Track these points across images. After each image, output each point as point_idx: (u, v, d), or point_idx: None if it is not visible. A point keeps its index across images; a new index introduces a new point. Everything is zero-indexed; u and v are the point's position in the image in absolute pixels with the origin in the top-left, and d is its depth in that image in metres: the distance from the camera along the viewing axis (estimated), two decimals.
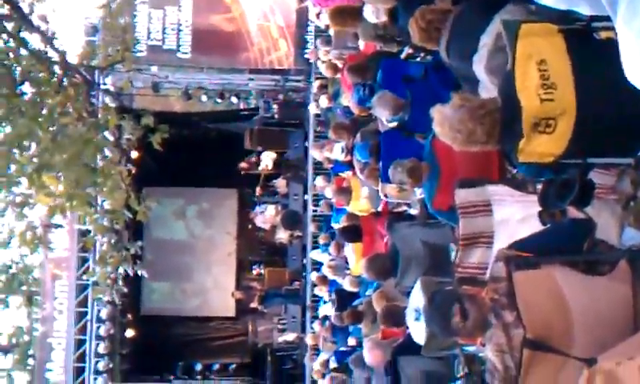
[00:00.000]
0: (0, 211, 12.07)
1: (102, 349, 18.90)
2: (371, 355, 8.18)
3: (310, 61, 18.28)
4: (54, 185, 11.28)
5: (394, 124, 7.94)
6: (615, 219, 4.70)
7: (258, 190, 20.76)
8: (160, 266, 21.44)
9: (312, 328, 16.85)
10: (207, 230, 23.37)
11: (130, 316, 20.94)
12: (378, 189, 8.65)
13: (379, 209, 9.99)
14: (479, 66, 4.68)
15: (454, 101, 4.04)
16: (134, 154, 16.54)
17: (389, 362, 7.49)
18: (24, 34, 11.18)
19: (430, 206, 6.73)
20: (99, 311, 18.90)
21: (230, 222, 22.99)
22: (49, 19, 11.39)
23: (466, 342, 4.76)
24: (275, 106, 19.87)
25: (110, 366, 19.15)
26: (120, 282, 15.92)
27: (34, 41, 11.36)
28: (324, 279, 13.97)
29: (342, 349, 12.69)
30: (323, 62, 14.08)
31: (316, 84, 16.23)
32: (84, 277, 18.56)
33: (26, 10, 11.13)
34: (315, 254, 16.46)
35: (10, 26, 11.04)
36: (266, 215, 20.59)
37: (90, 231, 14.88)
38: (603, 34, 3.84)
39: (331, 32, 14.04)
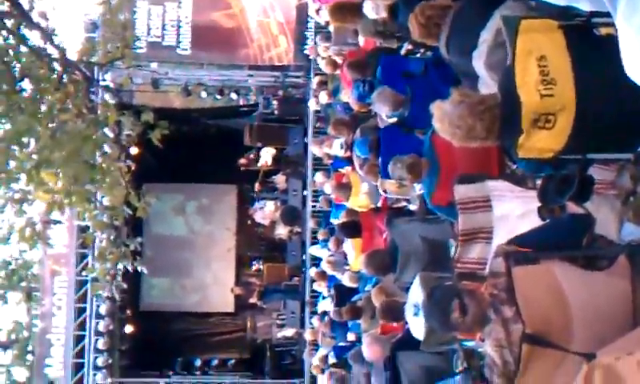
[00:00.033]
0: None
1: (101, 344, 18.90)
2: (370, 350, 8.19)
3: (310, 57, 18.26)
4: (52, 181, 11.28)
5: (394, 120, 7.94)
6: (614, 214, 4.71)
7: (257, 185, 20.75)
8: (159, 261, 21.44)
9: (311, 323, 16.85)
10: (207, 226, 23.37)
11: (129, 312, 20.95)
12: (378, 184, 8.67)
13: (379, 204, 10.00)
14: (479, 62, 4.68)
15: (453, 97, 4.05)
16: (134, 151, 16.55)
17: (388, 358, 7.51)
18: (24, 31, 11.18)
19: (430, 202, 6.74)
20: (98, 307, 18.89)
21: (229, 217, 22.99)
22: (48, 16, 11.38)
23: (465, 337, 4.77)
24: (275, 102, 19.89)
25: (110, 361, 19.15)
26: (119, 278, 15.94)
27: (34, 38, 11.37)
28: (323, 275, 13.97)
29: (341, 344, 12.70)
30: (323, 58, 14.08)
31: (316, 80, 16.22)
32: (83, 273, 18.58)
33: (26, 7, 11.13)
34: (314, 250, 16.46)
35: (9, 22, 11.04)
36: (266, 211, 20.60)
37: (89, 227, 14.88)
38: (603, 30, 3.84)
39: (331, 28, 14.04)
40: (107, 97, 16.08)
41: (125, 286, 17.00)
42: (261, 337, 22.14)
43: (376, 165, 8.34)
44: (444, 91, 4.27)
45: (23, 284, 28.20)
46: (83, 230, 17.00)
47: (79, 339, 19.09)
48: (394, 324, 7.91)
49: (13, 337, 29.02)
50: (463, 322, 3.78)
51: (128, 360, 20.69)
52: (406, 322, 6.49)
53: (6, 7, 11.05)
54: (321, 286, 14.85)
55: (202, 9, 19.26)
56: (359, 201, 10.53)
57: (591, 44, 3.87)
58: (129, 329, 20.71)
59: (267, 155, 20.26)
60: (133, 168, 13.82)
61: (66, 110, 11.33)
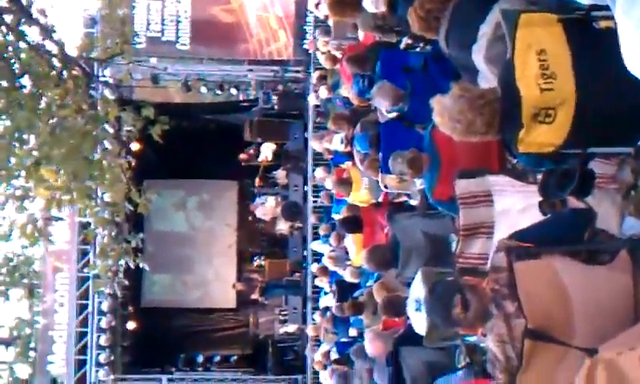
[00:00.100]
0: (0, 205, 12.06)
1: (103, 341, 18.91)
2: (372, 346, 8.19)
3: (309, 51, 18.26)
4: (52, 178, 11.27)
5: (394, 114, 7.93)
6: (616, 208, 4.70)
7: (257, 181, 20.73)
8: (161, 258, 21.43)
9: (313, 319, 16.87)
10: (207, 222, 23.37)
11: (131, 308, 20.94)
12: (378, 179, 8.65)
13: (379, 199, 9.99)
14: (478, 56, 4.67)
15: (453, 91, 4.04)
16: (134, 147, 16.54)
17: (390, 353, 7.51)
18: (23, 27, 11.16)
19: (431, 197, 6.73)
20: (100, 303, 18.91)
21: (230, 213, 22.98)
22: (47, 13, 11.36)
23: (467, 333, 4.77)
24: (275, 97, 19.85)
25: (112, 358, 19.16)
26: (121, 275, 15.93)
27: (33, 34, 11.35)
28: (324, 270, 13.96)
29: (343, 340, 12.69)
30: (322, 52, 14.06)
31: (315, 75, 16.18)
32: (85, 270, 18.58)
33: (25, 3, 11.11)
34: (316, 245, 16.46)
35: (9, 18, 11.02)
36: (266, 206, 20.58)
37: (90, 224, 14.88)
38: (602, 24, 3.83)
39: (330, 22, 14.03)
40: (107, 92, 16.06)
41: (126, 282, 17.00)
42: (263, 333, 22.14)
43: (376, 160, 8.33)
44: (444, 85, 4.27)
45: (25, 281, 28.23)
46: (84, 226, 16.99)
47: (81, 336, 19.12)
48: (396, 319, 7.91)
49: (15, 334, 29.05)
50: (465, 318, 3.78)
51: (130, 356, 20.69)
52: (408, 318, 6.48)
53: (5, 3, 11.03)
54: (322, 282, 14.84)
55: (201, 4, 19.25)
56: (360, 196, 10.52)
57: (591, 38, 3.86)
58: (131, 325, 20.71)
59: (267, 150, 20.25)
60: (133, 164, 13.81)
61: (65, 106, 11.31)
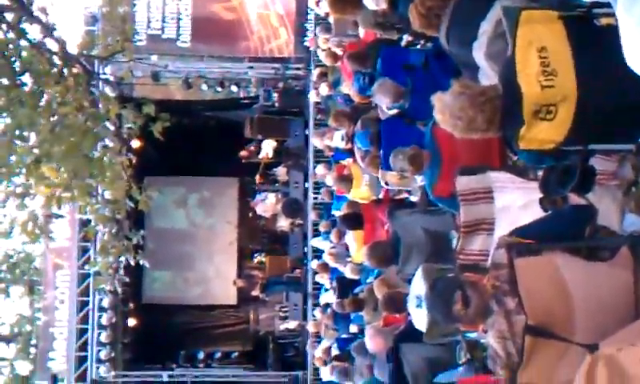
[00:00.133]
0: (1, 202, 12.07)
1: (104, 338, 18.92)
2: (373, 342, 8.20)
3: (310, 49, 18.26)
4: (53, 175, 11.27)
5: (395, 111, 7.93)
6: (616, 205, 4.71)
7: (258, 178, 20.74)
8: (161, 254, 21.44)
9: (313, 315, 16.87)
10: (208, 219, 23.37)
11: (131, 305, 20.96)
12: (379, 176, 8.66)
13: (380, 196, 10.00)
14: (479, 53, 4.67)
15: (454, 88, 4.04)
16: (135, 144, 16.54)
17: (391, 349, 7.52)
18: (24, 25, 11.16)
19: (431, 194, 6.73)
20: (101, 300, 18.91)
21: (230, 210, 22.98)
22: (48, 11, 11.36)
23: (467, 329, 4.77)
24: (275, 95, 19.86)
25: (112, 354, 19.16)
26: (121, 272, 15.94)
27: (34, 32, 11.35)
28: (325, 267, 13.98)
29: (344, 336, 12.70)
30: (323, 50, 14.05)
31: (316, 72, 16.17)
32: (85, 267, 18.59)
33: (26, 1, 11.11)
34: (316, 242, 16.45)
35: (10, 16, 11.02)
36: (267, 203, 20.59)
37: (90, 221, 14.88)
38: (603, 21, 3.84)
39: (331, 19, 14.02)
40: (107, 90, 16.06)
41: (127, 279, 17.01)
42: (263, 329, 22.15)
43: (377, 157, 8.33)
44: (444, 82, 4.27)
45: (25, 278, 28.27)
46: (85, 223, 17.00)
47: (82, 332, 19.13)
48: (397, 316, 7.92)
49: (16, 330, 29.09)
50: (466, 314, 3.78)
51: (131, 353, 20.71)
52: (409, 314, 6.48)
53: (6, 1, 11.03)
54: (323, 278, 14.85)
55: (201, 1, 19.25)
56: (361, 193, 10.53)
57: (592, 35, 3.87)
58: (131, 322, 20.74)
59: (268, 147, 20.25)
60: (134, 161, 13.81)
61: (66, 104, 11.31)
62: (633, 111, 3.76)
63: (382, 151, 8.07)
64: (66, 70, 11.45)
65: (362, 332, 10.66)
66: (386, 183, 8.76)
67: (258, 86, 20.28)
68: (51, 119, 11.21)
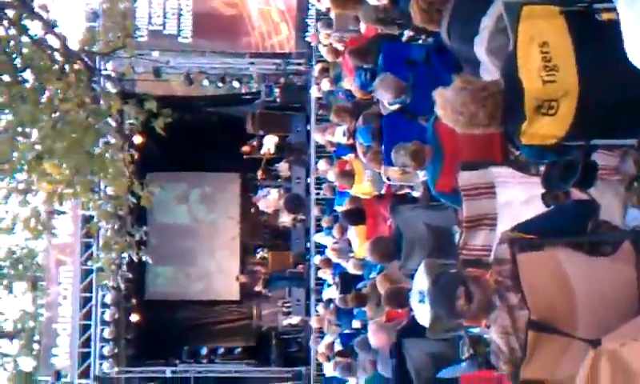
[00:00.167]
0: (3, 198, 12.07)
1: (107, 334, 18.95)
2: (376, 338, 8.19)
3: (312, 44, 18.26)
4: (55, 172, 11.28)
5: (396, 107, 7.93)
6: (618, 200, 4.70)
7: (260, 173, 20.72)
8: (164, 250, 21.42)
9: (316, 311, 16.86)
10: (210, 215, 23.36)
11: (134, 301, 20.96)
12: (381, 172, 8.66)
13: (382, 191, 9.99)
14: (480, 48, 4.67)
15: (455, 83, 4.04)
16: (137, 140, 16.54)
17: (393, 345, 7.51)
18: (25, 22, 11.16)
19: (433, 189, 6.73)
20: (104, 296, 18.93)
21: (232, 206, 22.97)
22: (49, 8, 11.36)
23: (470, 324, 4.78)
24: (277, 90, 19.85)
25: (116, 350, 19.19)
26: (124, 267, 15.94)
27: (35, 28, 11.35)
28: (328, 262, 13.97)
29: (347, 331, 12.71)
30: (324, 45, 14.05)
31: (317, 67, 16.17)
32: (88, 262, 18.60)
33: None
34: (319, 237, 16.46)
35: (11, 13, 11.02)
36: (269, 199, 20.58)
37: (93, 217, 14.89)
38: (605, 16, 3.84)
39: (332, 15, 14.02)
40: (109, 86, 16.06)
41: (130, 275, 17.03)
42: (266, 325, 22.14)
43: (379, 152, 8.32)
44: (446, 78, 4.27)
45: (28, 274, 28.28)
46: (88, 219, 17.01)
47: (85, 328, 19.16)
48: (399, 311, 7.91)
49: (19, 327, 29.11)
50: (469, 310, 3.79)
51: (134, 349, 20.72)
52: (411, 309, 6.48)
53: None
54: (326, 274, 14.86)
55: None
56: (363, 188, 10.52)
57: (593, 30, 3.86)
58: (134, 318, 20.74)
59: (270, 143, 20.24)
60: (136, 157, 13.80)
61: (67, 100, 11.31)
62: (634, 106, 3.76)
63: (383, 146, 8.06)
64: (67, 67, 11.45)
65: (364, 327, 10.66)
66: (388, 178, 8.76)
67: (260, 82, 20.24)
68: (53, 116, 11.21)
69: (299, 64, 19.38)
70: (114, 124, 12.77)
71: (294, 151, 19.61)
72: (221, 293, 22.94)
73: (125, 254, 14.73)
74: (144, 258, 14.69)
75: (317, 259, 16.27)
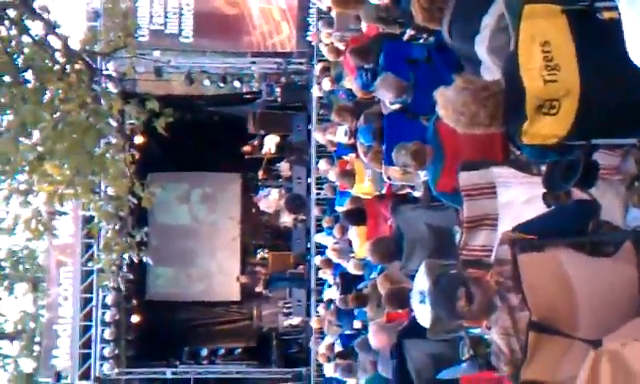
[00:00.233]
0: (4, 199, 12.07)
1: (107, 335, 18.95)
2: (376, 339, 8.18)
3: (313, 43, 18.25)
4: (56, 173, 11.27)
5: (397, 106, 7.92)
6: (620, 200, 4.69)
7: (261, 173, 20.73)
8: (164, 251, 21.43)
9: (317, 311, 16.87)
10: (211, 215, 23.35)
11: (135, 301, 20.95)
12: (382, 171, 8.64)
13: (383, 191, 9.97)
14: (481, 47, 4.66)
15: (457, 83, 4.03)
16: (138, 140, 16.53)
17: (394, 345, 7.50)
18: (26, 22, 11.15)
19: (434, 189, 6.72)
20: (104, 297, 18.92)
21: (233, 206, 22.95)
22: (50, 9, 11.35)
23: (471, 325, 4.76)
24: (278, 89, 19.84)
25: (116, 351, 19.19)
26: (125, 268, 15.93)
27: (37, 28, 11.35)
28: (328, 262, 13.96)
29: (347, 332, 12.70)
30: (325, 44, 14.03)
31: (318, 67, 16.16)
32: (89, 263, 18.59)
33: None
34: (319, 238, 16.45)
35: (12, 13, 11.02)
36: (270, 199, 20.58)
37: (94, 218, 14.88)
38: (606, 15, 3.83)
39: (333, 14, 14.00)
40: (110, 86, 16.05)
41: (130, 276, 17.02)
42: (267, 325, 22.13)
43: (380, 152, 8.31)
44: (447, 77, 4.26)
45: (29, 274, 28.28)
46: (88, 220, 17.00)
47: (86, 329, 19.15)
48: (400, 311, 7.90)
49: (19, 328, 29.11)
50: (469, 310, 3.77)
51: (134, 350, 20.72)
52: (412, 310, 6.47)
53: None
54: (326, 274, 14.85)
55: None
56: (363, 188, 10.51)
57: (595, 29, 3.85)
58: (135, 319, 20.74)
59: (271, 143, 20.24)
60: (137, 157, 13.80)
61: (69, 100, 11.30)
62: (636, 105, 3.74)
63: (384, 146, 8.05)
64: (68, 67, 11.44)
65: (365, 328, 10.65)
66: (389, 178, 8.74)
67: (261, 81, 20.22)
68: (54, 116, 11.20)
69: (300, 63, 19.36)
70: (114, 124, 12.75)
71: (295, 151, 19.60)
72: (221, 293, 22.93)
73: (125, 255, 14.71)
74: (144, 259, 14.69)
75: (317, 259, 16.26)
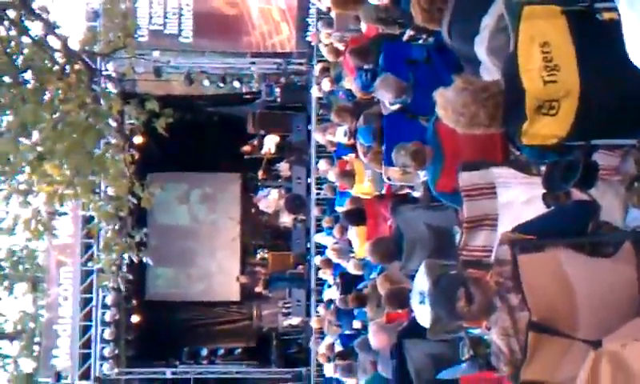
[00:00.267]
0: (4, 199, 12.08)
1: (107, 335, 18.95)
2: (376, 339, 8.18)
3: (312, 44, 18.25)
4: (55, 173, 11.27)
5: (397, 107, 7.92)
6: (619, 200, 4.68)
7: (260, 173, 20.72)
8: (164, 251, 21.42)
9: (317, 311, 16.88)
10: (211, 215, 23.35)
11: (134, 301, 20.95)
12: (382, 172, 8.64)
13: (383, 192, 9.97)
14: (481, 48, 4.66)
15: (456, 84, 4.04)
16: (137, 140, 16.52)
17: (394, 345, 7.50)
18: (26, 22, 11.15)
19: (434, 189, 6.72)
20: (104, 297, 18.92)
21: (233, 206, 22.94)
22: (49, 9, 11.35)
23: (471, 326, 4.76)
24: (277, 90, 19.84)
25: (116, 351, 19.19)
26: (124, 269, 15.92)
27: (36, 28, 11.35)
28: (328, 262, 13.96)
29: (347, 332, 12.70)
30: (325, 45, 14.04)
31: (318, 67, 16.18)
32: (89, 263, 18.59)
33: None
34: (319, 238, 16.45)
35: (12, 13, 11.02)
36: (270, 199, 20.57)
37: (93, 218, 14.88)
38: (606, 15, 3.83)
39: (333, 14, 14.00)
40: (110, 86, 16.04)
41: (130, 276, 17.01)
42: (267, 325, 22.13)
43: (380, 152, 8.31)
44: (447, 77, 4.26)
45: (29, 274, 28.26)
46: (88, 220, 17.00)
47: (85, 329, 19.15)
48: (400, 312, 7.90)
49: (19, 328, 29.10)
50: (469, 311, 3.78)
51: (134, 350, 20.72)
52: (412, 310, 6.47)
53: None
54: (326, 274, 14.85)
55: None
56: (363, 188, 10.50)
57: (594, 29, 3.85)
58: (135, 319, 20.74)
59: (270, 143, 20.24)
60: (136, 157, 13.79)
61: (68, 101, 11.30)
62: (635, 106, 3.74)
63: (384, 147, 8.05)
64: (68, 67, 11.44)
65: (365, 328, 10.65)
66: (389, 179, 8.73)
67: (260, 82, 20.23)
68: (53, 116, 11.20)
69: (300, 64, 19.37)
70: (114, 124, 12.75)
71: (295, 151, 19.61)
72: (221, 293, 22.92)
73: (125, 255, 14.70)
74: (144, 259, 14.68)
75: (317, 260, 16.26)
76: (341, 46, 12.61)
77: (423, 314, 5.82)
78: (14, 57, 11.00)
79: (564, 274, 3.55)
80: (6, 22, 10.97)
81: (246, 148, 20.92)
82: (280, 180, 20.77)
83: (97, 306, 18.95)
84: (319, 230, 16.89)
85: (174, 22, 19.21)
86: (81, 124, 11.32)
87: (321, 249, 16.10)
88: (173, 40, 19.32)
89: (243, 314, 22.83)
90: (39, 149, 11.09)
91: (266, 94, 19.92)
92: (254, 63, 19.83)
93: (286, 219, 20.11)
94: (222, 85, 19.88)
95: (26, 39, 11.13)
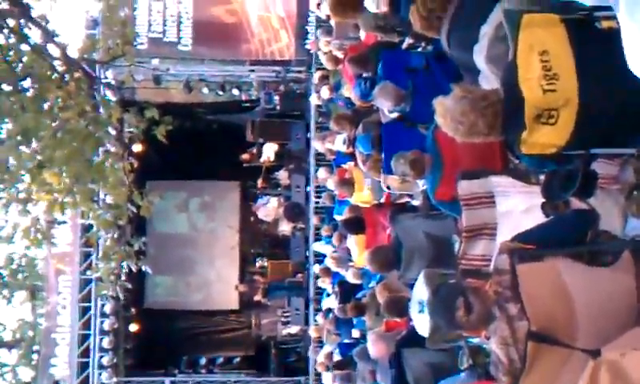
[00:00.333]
0: (3, 207, 12.07)
1: (105, 343, 18.92)
2: (375, 348, 8.18)
3: (311, 51, 18.27)
4: (55, 181, 11.26)
5: (396, 115, 7.92)
6: (618, 209, 4.68)
7: (259, 182, 20.73)
8: (163, 259, 21.41)
9: (315, 320, 16.84)
10: (210, 223, 23.35)
11: (133, 310, 20.92)
12: (381, 180, 8.64)
13: (382, 200, 9.97)
14: (480, 56, 4.66)
15: (455, 92, 4.03)
16: (137, 148, 16.52)
17: (393, 355, 7.50)
18: (25, 30, 11.15)
19: (433, 198, 6.71)
20: (103, 306, 18.90)
21: (232, 214, 22.94)
22: (48, 18, 11.36)
23: (470, 335, 4.76)
24: (276, 98, 19.85)
25: (114, 360, 19.15)
26: (123, 277, 15.91)
27: (35, 36, 11.35)
28: (327, 271, 13.95)
29: (346, 341, 12.69)
30: (324, 53, 14.04)
31: (317, 75, 16.19)
32: (87, 272, 18.57)
33: (25, 1, 11.10)
34: (318, 246, 16.45)
35: (11, 22, 11.02)
36: (269, 207, 20.56)
37: (92, 226, 14.87)
38: (605, 24, 3.82)
39: (332, 22, 14.01)
40: (109, 94, 16.04)
41: (129, 285, 17.00)
42: (265, 334, 22.10)
43: (379, 160, 8.31)
44: (446, 86, 4.26)
45: (27, 283, 28.23)
46: (87, 229, 16.98)
47: (84, 338, 19.12)
48: (399, 320, 7.89)
49: (18, 336, 29.05)
50: (468, 320, 3.76)
51: (133, 359, 20.70)
52: (411, 319, 6.47)
53: (6, 5, 11.02)
54: (325, 283, 14.84)
55: (202, 4, 19.24)
56: (362, 197, 10.51)
57: (593, 38, 3.85)
58: (133, 327, 20.70)
59: (270, 151, 20.24)
60: (135, 165, 13.79)
61: (68, 109, 11.30)
62: (635, 115, 3.74)
63: (383, 155, 8.05)
64: (67, 75, 11.44)
65: (364, 337, 10.64)
66: (388, 187, 8.74)
67: (260, 89, 20.23)
68: (53, 124, 11.20)
69: (299, 71, 19.36)
70: (113, 132, 12.74)
71: (294, 159, 19.61)
72: (220, 302, 22.91)
73: (124, 264, 14.69)
74: (143, 268, 14.67)
75: (316, 268, 16.26)
76: (340, 54, 12.62)
77: (422, 323, 5.83)
78: (14, 65, 11.00)
79: (563, 283, 3.54)
80: (6, 30, 10.97)
81: (245, 156, 20.92)
82: (279, 188, 20.77)
83: (95, 314, 18.93)
84: (318, 238, 16.88)
85: (173, 29, 19.21)
86: (80, 132, 11.31)
87: (320, 257, 16.09)
88: (172, 48, 19.32)
89: (242, 323, 22.82)
90: (39, 157, 11.09)
91: (265, 101, 19.93)
92: (253, 71, 19.82)
93: (285, 227, 20.09)
94: (221, 93, 19.89)
95: (25, 47, 11.13)
